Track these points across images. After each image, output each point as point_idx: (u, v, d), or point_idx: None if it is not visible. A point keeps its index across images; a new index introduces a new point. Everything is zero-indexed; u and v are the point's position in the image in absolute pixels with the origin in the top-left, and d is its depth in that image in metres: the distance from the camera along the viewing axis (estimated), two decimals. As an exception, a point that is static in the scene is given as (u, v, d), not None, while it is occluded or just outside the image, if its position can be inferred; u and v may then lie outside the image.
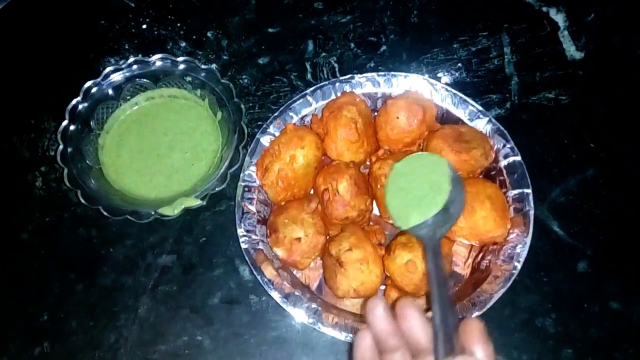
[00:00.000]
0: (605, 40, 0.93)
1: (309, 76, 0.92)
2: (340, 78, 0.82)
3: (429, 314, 0.48)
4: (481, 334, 0.46)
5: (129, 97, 0.86)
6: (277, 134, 0.79)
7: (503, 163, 0.77)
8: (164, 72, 0.85)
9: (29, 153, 0.88)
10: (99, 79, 0.84)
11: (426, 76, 0.82)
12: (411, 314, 0.47)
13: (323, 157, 0.79)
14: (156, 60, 0.85)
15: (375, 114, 0.81)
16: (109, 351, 0.76)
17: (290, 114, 0.81)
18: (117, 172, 0.83)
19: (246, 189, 0.77)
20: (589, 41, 0.92)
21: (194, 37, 0.96)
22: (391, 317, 0.47)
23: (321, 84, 0.82)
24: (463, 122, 0.80)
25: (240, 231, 0.75)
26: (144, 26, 0.97)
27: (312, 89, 0.82)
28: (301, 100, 0.81)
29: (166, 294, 0.79)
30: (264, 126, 0.80)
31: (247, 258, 0.73)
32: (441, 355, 0.44)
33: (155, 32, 0.97)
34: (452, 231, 0.73)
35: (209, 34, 0.96)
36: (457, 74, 0.91)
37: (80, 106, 0.82)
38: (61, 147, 0.79)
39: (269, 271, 0.72)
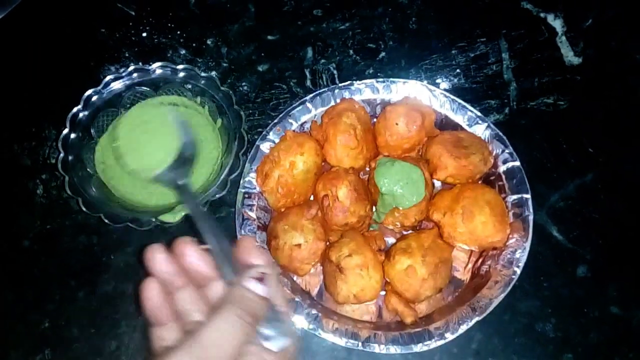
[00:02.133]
0: (603, 46, 0.94)
1: (308, 83, 0.93)
2: (340, 85, 0.83)
3: (204, 246, 0.50)
4: (254, 247, 0.49)
5: (129, 105, 0.86)
6: (276, 140, 0.80)
7: (502, 168, 0.77)
8: (164, 79, 0.86)
9: (29, 161, 0.89)
10: (99, 87, 0.84)
11: (425, 82, 0.83)
12: (188, 249, 0.48)
13: (323, 164, 0.79)
14: (156, 68, 0.85)
15: (375, 120, 0.82)
16: (110, 358, 0.76)
17: (290, 120, 0.81)
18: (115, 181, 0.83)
19: (246, 196, 0.77)
20: (587, 46, 0.93)
21: (194, 44, 0.97)
22: (172, 258, 0.48)
23: (320, 90, 0.83)
24: (462, 128, 0.80)
25: (241, 238, 0.75)
26: (144, 34, 0.98)
27: (311, 95, 0.82)
28: (300, 107, 0.82)
29: (167, 300, 0.79)
30: (264, 133, 0.81)
31: (247, 264, 0.73)
32: (229, 275, 0.46)
33: (155, 40, 0.97)
34: (452, 236, 0.73)
35: (208, 42, 0.97)
36: (455, 80, 0.92)
37: (81, 114, 0.82)
38: (62, 155, 0.79)
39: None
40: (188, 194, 0.59)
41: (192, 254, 0.48)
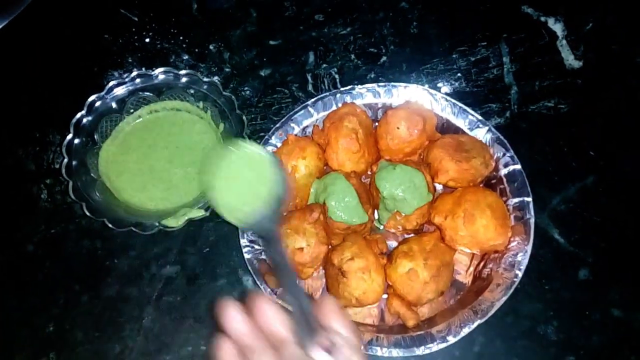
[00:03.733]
0: (604, 49, 0.94)
1: (310, 87, 0.93)
2: (341, 89, 0.83)
3: (281, 302, 0.47)
4: (335, 309, 0.46)
5: (132, 110, 0.87)
6: (279, 144, 0.80)
7: (503, 172, 0.77)
8: (167, 85, 0.86)
9: (34, 166, 0.89)
10: (102, 93, 0.85)
11: (426, 86, 0.83)
12: (265, 307, 0.44)
13: (325, 168, 0.80)
14: (159, 73, 0.86)
15: (376, 124, 0.82)
16: (114, 362, 0.77)
17: (292, 124, 0.82)
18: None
19: (249, 200, 0.77)
20: (588, 50, 0.93)
21: (197, 50, 0.97)
22: (245, 316, 0.45)
23: (322, 95, 0.83)
24: (463, 132, 0.80)
25: (244, 241, 0.75)
26: (147, 40, 0.98)
27: (313, 100, 0.83)
28: (302, 111, 0.82)
29: (170, 304, 0.79)
30: (266, 137, 0.81)
31: (250, 268, 0.74)
32: (306, 340, 0.43)
33: (159, 46, 0.98)
34: (453, 240, 0.73)
35: (211, 47, 0.97)
36: (456, 84, 0.92)
37: (85, 120, 0.83)
38: (66, 160, 0.80)
39: (272, 281, 0.72)
40: (276, 240, 0.50)
41: (269, 313, 0.44)
